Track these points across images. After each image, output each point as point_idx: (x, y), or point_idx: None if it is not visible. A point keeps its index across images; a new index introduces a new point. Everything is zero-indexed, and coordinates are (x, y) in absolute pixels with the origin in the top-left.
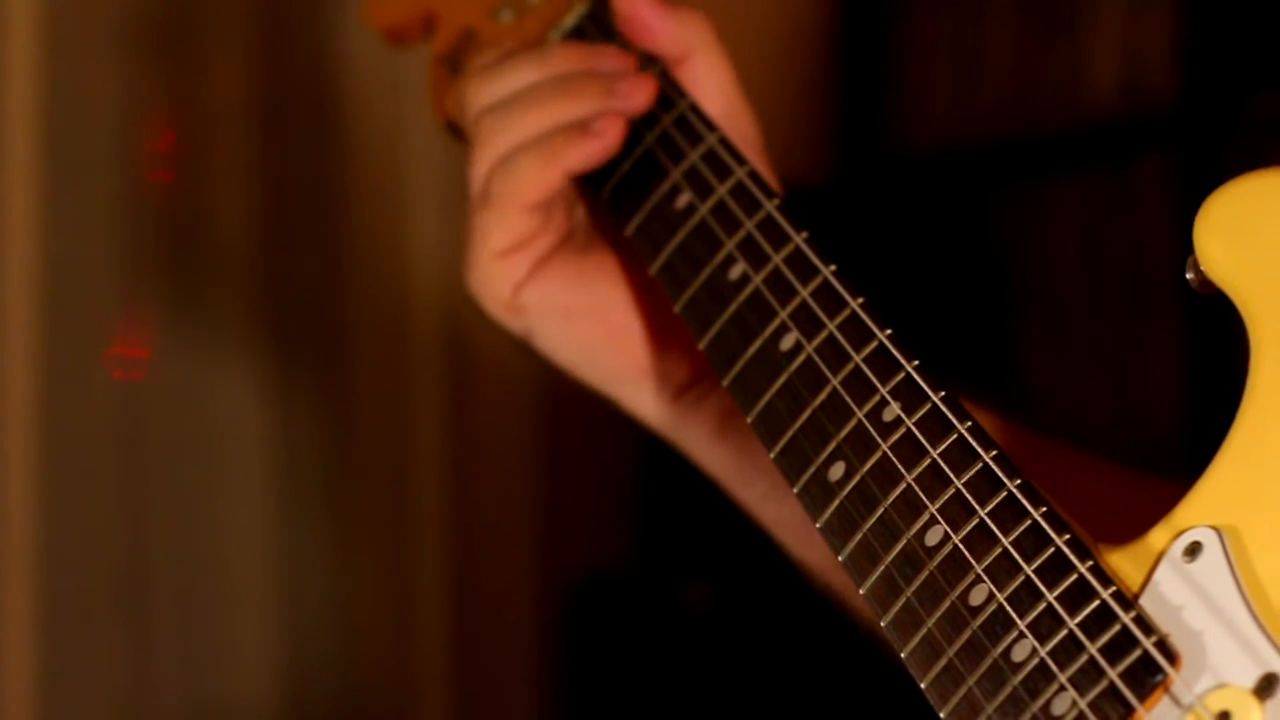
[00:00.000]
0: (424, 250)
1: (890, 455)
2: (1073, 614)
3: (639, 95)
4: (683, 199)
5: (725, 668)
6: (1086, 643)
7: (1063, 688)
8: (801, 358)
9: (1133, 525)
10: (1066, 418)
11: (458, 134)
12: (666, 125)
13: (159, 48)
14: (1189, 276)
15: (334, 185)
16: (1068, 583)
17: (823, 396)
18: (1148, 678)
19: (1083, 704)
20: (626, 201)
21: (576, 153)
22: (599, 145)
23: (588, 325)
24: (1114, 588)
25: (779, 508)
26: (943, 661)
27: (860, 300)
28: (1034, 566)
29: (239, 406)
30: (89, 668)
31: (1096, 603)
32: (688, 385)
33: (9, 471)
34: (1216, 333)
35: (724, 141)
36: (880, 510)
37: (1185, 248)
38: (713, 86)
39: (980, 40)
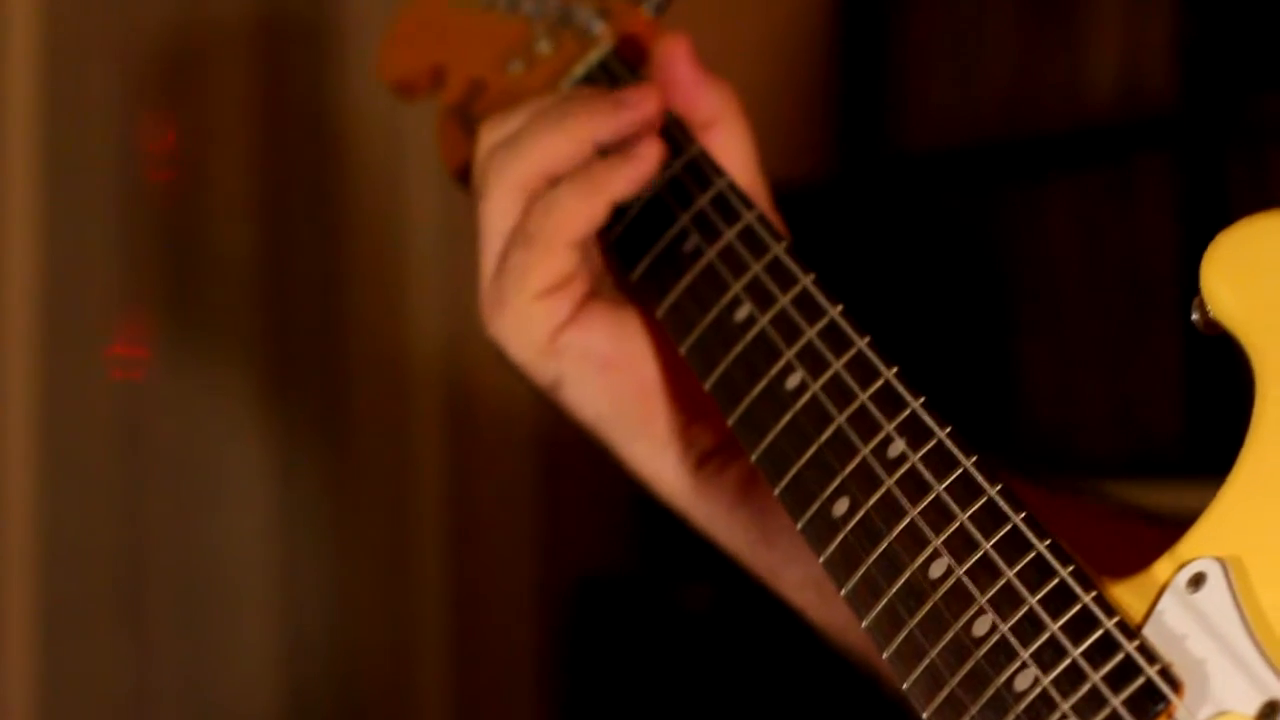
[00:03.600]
0: (423, 251)
1: (895, 490)
2: (1076, 643)
3: (647, 102)
4: (690, 242)
5: (725, 668)
6: (1090, 671)
7: (1065, 716)
8: (807, 396)
9: (1130, 564)
10: (1066, 418)
11: (467, 184)
12: (675, 170)
13: (160, 51)
14: (1194, 318)
15: (334, 184)
16: (1071, 613)
17: (827, 434)
18: (1151, 706)
19: None
20: (634, 247)
21: (619, 179)
22: (639, 168)
23: (624, 378)
24: (1117, 617)
25: (799, 571)
26: (945, 692)
27: (867, 339)
28: (1038, 597)
29: (238, 406)
30: (89, 668)
31: (1100, 632)
32: (711, 453)
33: (9, 471)
34: None
35: (732, 186)
36: (884, 544)
37: (1186, 253)
38: (735, 158)
39: (980, 40)
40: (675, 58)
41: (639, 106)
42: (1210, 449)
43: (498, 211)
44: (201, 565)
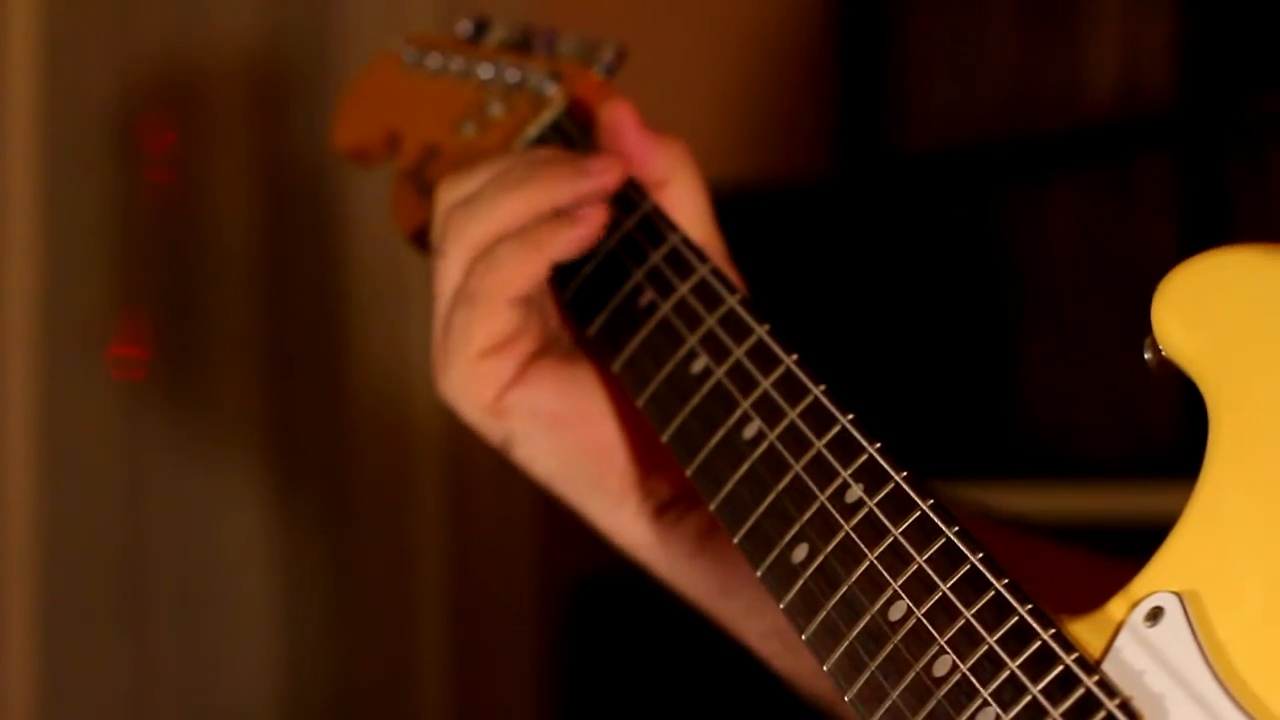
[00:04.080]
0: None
1: (853, 535)
2: (1036, 680)
3: (610, 173)
4: (645, 297)
5: (724, 668)
6: (1050, 708)
7: None
8: (764, 445)
9: (1088, 602)
10: (1066, 418)
11: (423, 248)
12: (629, 228)
13: (160, 51)
14: (1147, 357)
15: (334, 180)
16: (1030, 650)
17: (785, 481)
18: None
19: None
20: (589, 303)
21: (560, 240)
22: (582, 232)
23: (575, 434)
24: (1076, 654)
25: (763, 620)
26: None
27: (822, 387)
28: (996, 636)
29: (238, 406)
30: (89, 668)
31: (1060, 668)
32: (668, 504)
33: (9, 471)
34: None
35: (686, 242)
36: (843, 589)
37: (1186, 253)
38: (689, 213)
39: (980, 40)
40: (622, 126)
41: (602, 176)
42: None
43: (452, 270)
44: (201, 565)
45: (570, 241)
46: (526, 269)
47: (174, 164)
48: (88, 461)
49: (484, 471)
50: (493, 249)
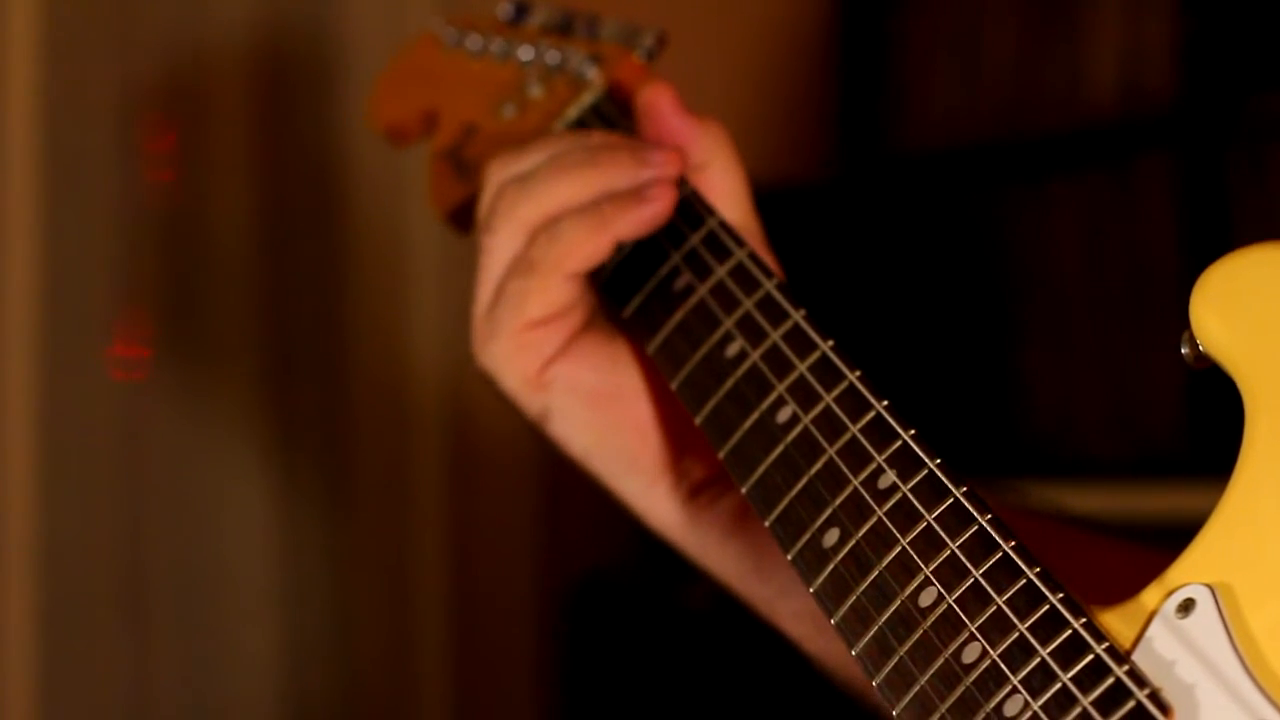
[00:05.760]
0: (424, 240)
1: (885, 520)
2: (1066, 668)
3: (671, 166)
4: (682, 280)
5: (725, 668)
6: (1080, 696)
7: None
8: (798, 429)
9: (1118, 591)
10: (1067, 418)
11: (459, 227)
12: None
13: (160, 51)
14: (1184, 351)
15: (334, 178)
16: (1061, 639)
17: (819, 465)
18: None
19: None
20: (626, 285)
21: (627, 219)
22: (651, 211)
23: (612, 412)
24: (1107, 643)
25: (795, 602)
26: (935, 718)
27: (858, 373)
28: (1028, 624)
29: (238, 406)
30: (89, 668)
31: (1090, 657)
32: (703, 485)
33: (9, 471)
34: None
35: (724, 225)
36: (874, 573)
37: (1186, 253)
38: (728, 196)
39: (980, 40)
40: (662, 111)
41: (662, 168)
42: (1211, 450)
43: (502, 245)
44: (202, 565)
45: (638, 221)
46: (589, 245)
47: (174, 164)
48: (88, 461)
49: (485, 471)
50: (556, 222)
